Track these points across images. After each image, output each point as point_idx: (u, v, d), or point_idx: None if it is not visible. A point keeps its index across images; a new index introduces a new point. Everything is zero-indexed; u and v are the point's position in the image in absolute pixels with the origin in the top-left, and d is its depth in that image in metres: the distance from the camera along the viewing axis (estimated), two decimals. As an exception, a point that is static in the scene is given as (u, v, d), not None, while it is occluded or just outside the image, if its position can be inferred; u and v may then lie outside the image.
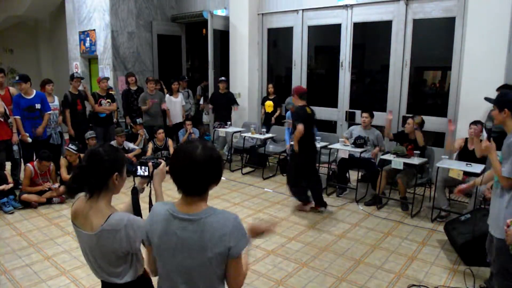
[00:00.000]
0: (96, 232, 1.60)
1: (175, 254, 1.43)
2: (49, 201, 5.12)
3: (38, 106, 5.55)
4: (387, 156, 4.85)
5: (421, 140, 4.83)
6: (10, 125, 5.44)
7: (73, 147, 5.44)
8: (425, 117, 5.76)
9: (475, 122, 4.44)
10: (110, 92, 6.86)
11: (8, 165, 5.55)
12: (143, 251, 1.65)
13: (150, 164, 1.82)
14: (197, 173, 1.39)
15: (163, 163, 1.86)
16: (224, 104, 7.21)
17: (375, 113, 6.23)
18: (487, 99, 2.85)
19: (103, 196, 1.65)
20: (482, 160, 4.35)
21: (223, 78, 7.30)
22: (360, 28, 6.54)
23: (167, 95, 7.40)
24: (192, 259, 1.41)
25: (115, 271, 1.68)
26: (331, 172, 5.77)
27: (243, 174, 6.61)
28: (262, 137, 6.33)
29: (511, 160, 2.45)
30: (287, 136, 6.01)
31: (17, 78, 5.52)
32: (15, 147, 5.53)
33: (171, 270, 1.46)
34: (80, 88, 6.39)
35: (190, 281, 1.45)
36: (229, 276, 1.45)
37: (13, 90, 5.73)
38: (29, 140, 5.51)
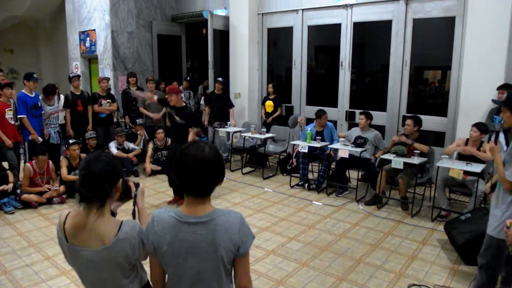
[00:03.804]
0: (110, 244, 1.51)
1: (188, 258, 1.44)
2: (49, 201, 5.12)
3: (39, 104, 5.60)
4: (387, 156, 4.84)
5: (424, 148, 4.79)
6: (17, 126, 5.47)
7: (73, 140, 5.50)
8: (425, 117, 5.78)
9: (477, 124, 4.41)
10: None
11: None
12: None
13: (131, 183, 1.81)
14: (207, 174, 1.43)
15: (142, 184, 1.87)
16: (219, 105, 7.17)
17: (374, 112, 6.24)
18: (495, 101, 2.72)
19: (108, 204, 1.58)
20: (481, 159, 4.34)
21: (220, 79, 7.27)
22: (360, 28, 6.54)
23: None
24: (205, 261, 1.43)
25: (126, 283, 1.60)
26: (331, 172, 5.77)
27: (243, 174, 6.61)
28: (262, 137, 6.33)
29: None
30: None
31: (35, 76, 5.57)
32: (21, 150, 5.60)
33: (182, 275, 1.47)
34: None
35: (201, 283, 1.46)
36: (238, 275, 1.48)
37: None
38: (40, 139, 5.53)
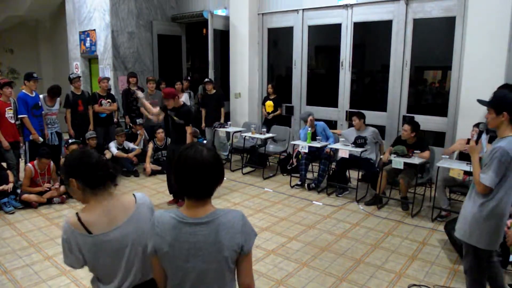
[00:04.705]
0: (134, 210, 1.65)
1: (189, 260, 1.43)
2: (49, 201, 5.12)
3: (40, 104, 5.60)
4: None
5: (425, 155, 4.75)
6: (18, 126, 5.47)
7: (73, 140, 5.53)
8: (425, 117, 5.78)
9: (477, 124, 4.41)
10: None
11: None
12: None
13: None
14: (207, 176, 1.42)
15: None
16: (213, 105, 7.15)
17: (375, 112, 6.24)
18: (480, 101, 2.61)
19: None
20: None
21: (207, 79, 7.24)
22: (360, 28, 6.54)
23: None
24: (207, 263, 1.42)
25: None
26: (331, 171, 5.78)
27: (244, 174, 6.61)
28: (263, 137, 6.33)
29: (493, 168, 2.39)
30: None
31: (35, 75, 5.56)
32: (21, 150, 5.61)
33: (184, 277, 1.46)
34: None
35: (204, 285, 1.46)
36: (241, 273, 1.48)
37: None
38: (41, 140, 5.53)
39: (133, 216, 1.64)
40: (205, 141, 7.33)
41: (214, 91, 7.18)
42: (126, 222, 1.62)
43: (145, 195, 1.76)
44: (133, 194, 1.72)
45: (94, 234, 1.57)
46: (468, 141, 4.59)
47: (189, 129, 4.84)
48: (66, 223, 1.58)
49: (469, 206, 2.59)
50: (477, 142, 2.62)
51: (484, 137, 2.70)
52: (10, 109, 5.30)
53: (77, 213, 1.60)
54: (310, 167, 6.06)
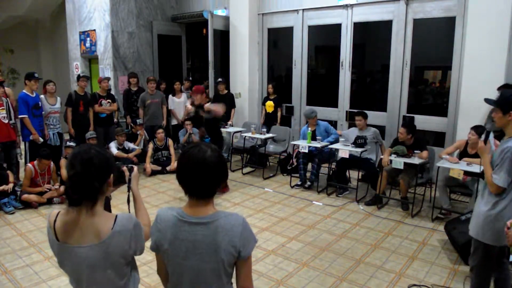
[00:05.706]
0: (107, 237, 1.46)
1: (188, 258, 1.44)
2: (49, 201, 5.13)
3: (40, 104, 5.60)
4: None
5: (423, 156, 4.75)
6: (12, 125, 5.45)
7: (72, 143, 5.48)
8: (425, 117, 5.77)
9: (475, 127, 4.39)
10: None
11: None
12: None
13: (124, 168, 1.77)
14: (209, 176, 1.42)
15: (136, 167, 1.84)
16: (226, 105, 7.17)
17: (376, 113, 6.24)
18: (487, 100, 2.65)
19: (100, 200, 1.51)
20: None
21: (220, 79, 7.30)
22: (360, 28, 6.54)
23: (170, 96, 7.43)
24: (205, 262, 1.43)
25: (121, 284, 1.55)
26: (331, 171, 5.77)
27: (244, 174, 6.61)
28: (263, 137, 6.33)
29: (506, 168, 2.40)
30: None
31: (36, 75, 5.55)
32: (18, 150, 5.59)
33: (182, 275, 1.47)
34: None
35: (201, 284, 1.46)
36: (240, 277, 1.48)
37: None
38: (41, 140, 5.52)
39: (101, 245, 1.46)
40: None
41: (226, 91, 7.26)
42: (91, 246, 1.46)
43: (132, 216, 1.56)
44: (116, 216, 1.51)
45: (60, 241, 1.49)
46: (466, 143, 4.58)
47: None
48: (48, 217, 1.54)
49: (482, 206, 2.61)
50: (485, 142, 2.63)
51: (492, 137, 2.70)
52: (3, 109, 5.24)
53: (58, 213, 1.53)
54: (309, 167, 6.06)
